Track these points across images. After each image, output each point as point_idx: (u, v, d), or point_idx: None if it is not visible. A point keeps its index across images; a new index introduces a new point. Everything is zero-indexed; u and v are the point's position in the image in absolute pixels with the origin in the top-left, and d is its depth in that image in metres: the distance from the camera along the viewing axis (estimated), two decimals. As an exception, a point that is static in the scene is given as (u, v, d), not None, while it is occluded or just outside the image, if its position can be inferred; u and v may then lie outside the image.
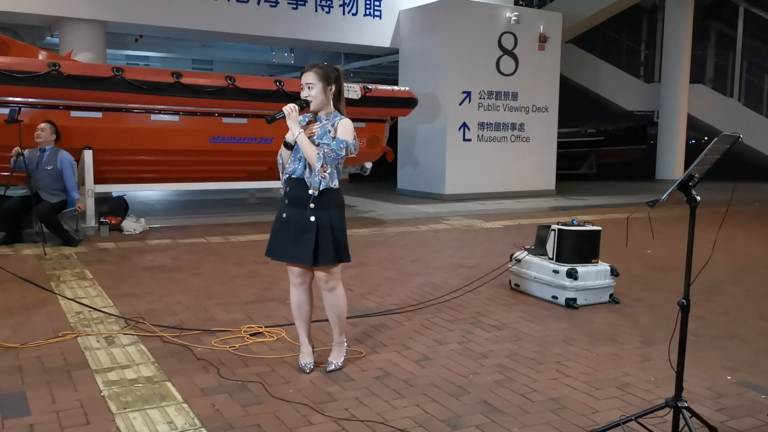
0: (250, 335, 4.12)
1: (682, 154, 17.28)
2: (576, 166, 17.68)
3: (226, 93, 8.65)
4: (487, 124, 12.78)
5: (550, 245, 5.12)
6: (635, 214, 6.74)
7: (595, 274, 4.98)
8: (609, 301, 5.05)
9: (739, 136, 2.51)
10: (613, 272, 5.07)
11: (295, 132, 3.33)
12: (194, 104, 8.61)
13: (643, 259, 6.83)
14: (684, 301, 2.63)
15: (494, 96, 12.83)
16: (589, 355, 3.90)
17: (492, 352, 3.92)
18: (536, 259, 5.22)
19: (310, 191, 3.35)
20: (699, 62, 18.00)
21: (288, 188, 3.42)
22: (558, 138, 13.91)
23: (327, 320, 3.64)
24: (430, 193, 12.59)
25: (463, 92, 12.48)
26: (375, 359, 3.76)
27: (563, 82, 14.28)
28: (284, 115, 3.32)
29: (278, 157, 3.48)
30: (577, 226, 5.11)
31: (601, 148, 17.72)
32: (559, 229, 5.06)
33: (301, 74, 3.41)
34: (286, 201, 3.42)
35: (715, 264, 5.70)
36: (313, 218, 3.35)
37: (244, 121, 9.05)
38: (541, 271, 5.13)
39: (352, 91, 9.45)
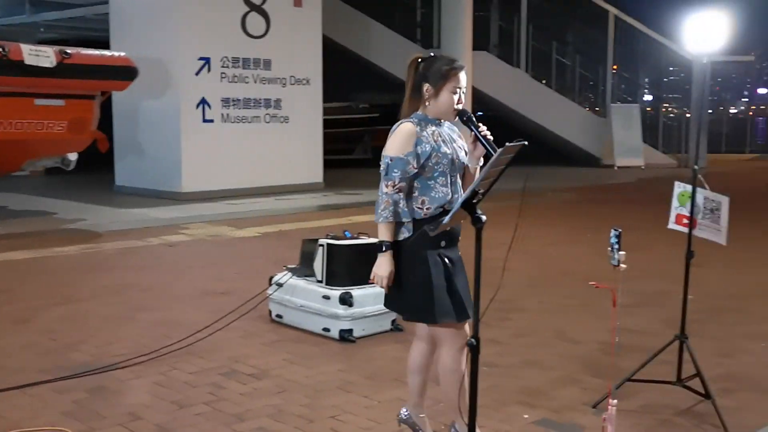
0: None
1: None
2: (348, 150, 18.30)
3: None
4: (233, 101, 12.74)
5: (318, 264, 5.24)
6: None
7: (374, 298, 5.12)
8: (391, 329, 5.28)
9: (525, 143, 2.77)
10: (394, 292, 5.32)
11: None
12: None
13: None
14: (473, 340, 2.83)
15: (241, 64, 12.81)
16: (369, 403, 4.05)
17: (250, 411, 3.92)
18: (302, 282, 5.31)
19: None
20: (481, 26, 19.43)
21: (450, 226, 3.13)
22: (325, 115, 14.29)
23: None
24: (161, 191, 12.28)
25: (200, 59, 12.31)
26: (91, 441, 3.56)
27: (330, 45, 14.65)
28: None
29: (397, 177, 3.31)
30: (351, 238, 5.27)
31: (376, 127, 18.52)
32: (328, 244, 5.19)
33: (453, 74, 3.24)
34: (443, 243, 3.26)
35: (512, 273, 6.26)
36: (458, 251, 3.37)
37: None
38: (309, 297, 5.22)
39: (43, 56, 9.05)
